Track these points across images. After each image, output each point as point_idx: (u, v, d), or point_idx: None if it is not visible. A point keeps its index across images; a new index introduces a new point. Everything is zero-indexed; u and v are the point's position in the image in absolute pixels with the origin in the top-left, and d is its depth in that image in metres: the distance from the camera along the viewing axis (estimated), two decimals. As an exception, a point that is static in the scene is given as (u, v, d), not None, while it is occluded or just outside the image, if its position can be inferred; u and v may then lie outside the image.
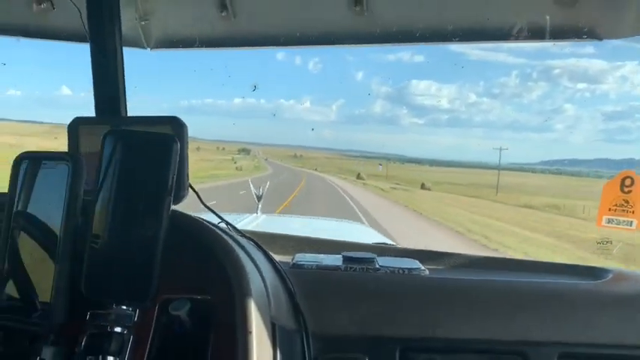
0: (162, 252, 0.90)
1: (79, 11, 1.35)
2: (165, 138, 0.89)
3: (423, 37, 1.49)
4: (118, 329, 0.90)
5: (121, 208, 0.87)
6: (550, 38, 1.50)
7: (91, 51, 1.38)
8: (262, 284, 0.95)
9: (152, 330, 0.90)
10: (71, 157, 0.90)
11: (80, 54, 1.44)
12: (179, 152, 0.89)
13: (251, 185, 4.99)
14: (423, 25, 1.47)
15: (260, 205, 4.15)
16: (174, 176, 0.88)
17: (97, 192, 0.88)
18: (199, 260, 0.96)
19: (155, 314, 0.92)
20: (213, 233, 0.98)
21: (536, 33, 1.46)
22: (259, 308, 0.88)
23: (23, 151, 0.96)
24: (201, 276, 0.95)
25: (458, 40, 1.46)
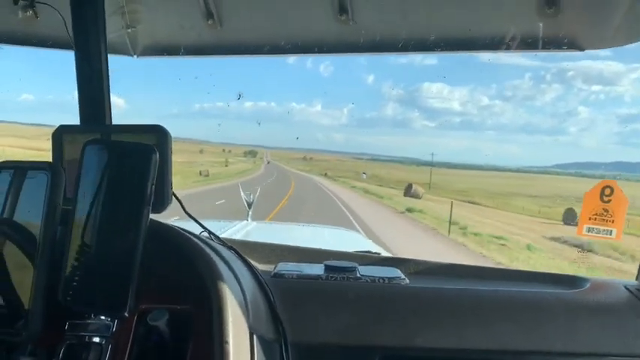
0: (141, 262, 0.90)
1: (64, 20, 1.35)
2: (144, 148, 0.89)
3: (408, 46, 1.50)
4: (96, 339, 0.90)
5: (100, 218, 0.87)
6: (532, 48, 1.52)
7: (76, 58, 1.38)
8: (241, 294, 0.95)
9: (130, 340, 0.90)
10: (50, 167, 0.90)
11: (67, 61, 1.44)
12: (158, 162, 0.89)
13: (241, 191, 4.97)
14: (407, 34, 1.48)
15: (250, 212, 4.14)
16: (153, 186, 0.89)
17: (75, 202, 0.88)
18: (178, 270, 0.96)
19: (134, 324, 0.92)
20: (191, 243, 0.98)
21: (520, 43, 1.48)
22: (237, 318, 0.89)
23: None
24: (180, 286, 0.95)
25: (441, 50, 1.47)
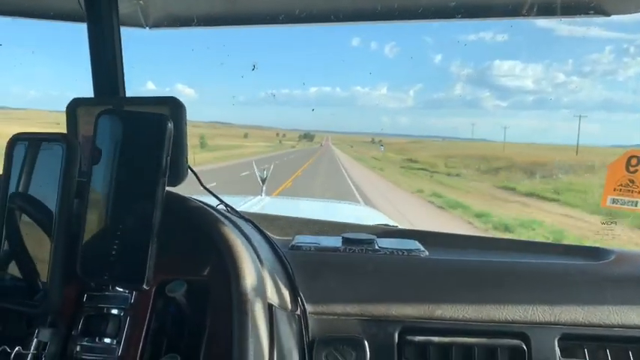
0: (158, 234, 0.89)
1: None
2: (159, 118, 0.87)
3: (426, 13, 1.45)
4: (114, 311, 0.90)
5: (115, 190, 0.86)
6: (557, 14, 1.46)
7: (88, 31, 1.36)
8: (259, 266, 0.94)
9: (149, 312, 0.90)
10: (65, 139, 0.89)
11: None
12: (173, 132, 0.88)
13: (255, 167, 4.97)
14: (427, 1, 1.43)
15: (264, 188, 4.15)
16: (169, 157, 0.87)
17: (90, 174, 0.87)
18: (195, 242, 0.96)
19: (152, 296, 0.91)
20: (209, 215, 0.97)
21: (543, 9, 1.43)
22: (255, 290, 0.88)
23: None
24: (198, 258, 0.95)
25: (461, 17, 1.42)
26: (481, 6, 1.44)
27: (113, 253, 0.86)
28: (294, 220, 1.40)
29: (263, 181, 4.33)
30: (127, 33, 1.58)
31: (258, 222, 1.16)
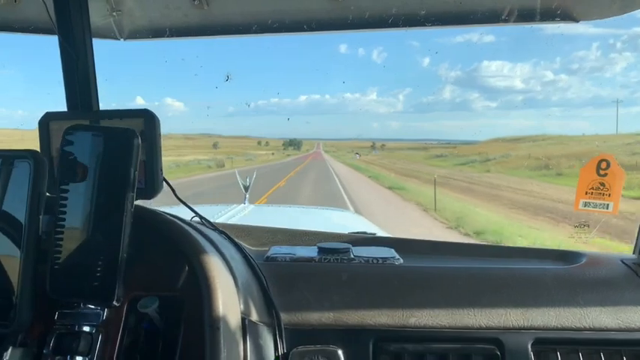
0: (131, 249, 0.89)
1: (45, 3, 1.31)
2: (126, 132, 0.87)
3: (398, 22, 1.47)
4: (86, 328, 0.89)
5: (83, 206, 0.86)
6: (527, 21, 1.49)
7: (60, 44, 1.35)
8: (231, 279, 0.94)
9: (121, 328, 0.90)
10: (32, 155, 0.88)
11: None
12: (148, 145, 0.88)
13: (238, 176, 4.96)
14: (398, 10, 1.45)
15: (247, 196, 4.14)
16: (137, 172, 0.87)
17: (58, 190, 0.86)
18: (167, 256, 0.95)
19: (124, 312, 0.91)
20: (178, 228, 0.97)
21: (513, 16, 1.45)
22: (227, 303, 0.88)
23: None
24: (170, 272, 0.94)
25: (433, 25, 1.44)
26: (455, 14, 1.46)
27: (82, 270, 0.86)
28: (271, 230, 1.40)
29: (246, 188, 4.32)
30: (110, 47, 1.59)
31: (233, 233, 1.16)
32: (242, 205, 3.71)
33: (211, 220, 1.19)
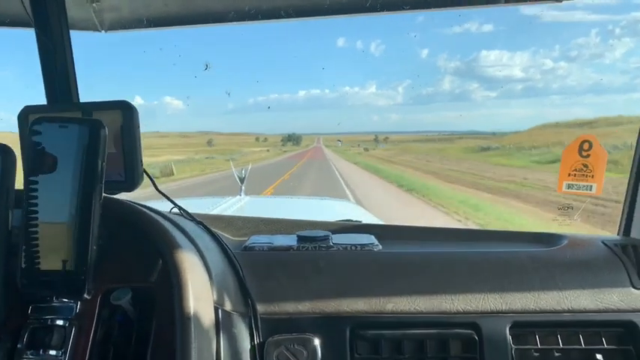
0: (101, 241, 0.89)
1: None
2: (92, 123, 0.87)
3: (381, 6, 1.45)
4: (59, 322, 0.89)
5: (51, 199, 0.85)
6: (510, 2, 1.48)
7: (37, 37, 1.34)
8: (204, 269, 0.94)
9: (94, 321, 0.90)
10: (1, 149, 0.88)
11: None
12: (107, 137, 0.87)
13: (233, 168, 4.97)
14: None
15: (243, 187, 4.14)
16: (104, 163, 0.87)
17: (27, 183, 0.86)
18: (140, 248, 0.95)
19: (97, 305, 0.91)
20: (149, 219, 0.97)
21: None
22: (200, 293, 0.88)
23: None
24: (143, 264, 0.94)
25: (412, 8, 1.43)
26: None
27: (52, 263, 0.86)
28: (251, 219, 1.39)
29: (241, 180, 4.32)
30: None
31: (214, 223, 1.16)
32: (238, 196, 3.71)
33: (207, 213, 1.19)
